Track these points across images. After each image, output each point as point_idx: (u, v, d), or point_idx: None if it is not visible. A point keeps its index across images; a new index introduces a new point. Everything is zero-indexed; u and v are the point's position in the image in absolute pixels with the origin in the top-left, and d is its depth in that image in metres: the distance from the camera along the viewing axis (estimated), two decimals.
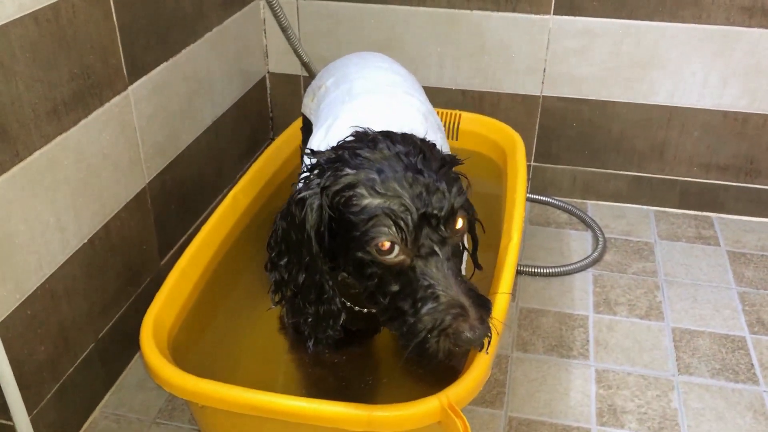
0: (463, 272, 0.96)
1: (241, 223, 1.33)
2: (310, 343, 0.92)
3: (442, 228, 0.82)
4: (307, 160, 0.94)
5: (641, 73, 1.69)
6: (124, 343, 1.37)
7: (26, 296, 1.08)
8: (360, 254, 0.84)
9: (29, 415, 1.12)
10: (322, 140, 1.04)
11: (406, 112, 1.08)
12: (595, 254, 1.67)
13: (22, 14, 1.00)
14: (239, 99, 1.75)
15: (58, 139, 1.11)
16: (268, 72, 1.89)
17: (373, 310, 0.96)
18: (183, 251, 1.19)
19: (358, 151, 0.87)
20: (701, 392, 1.34)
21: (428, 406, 0.89)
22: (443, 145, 1.11)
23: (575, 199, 1.89)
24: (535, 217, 1.83)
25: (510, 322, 1.49)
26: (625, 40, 1.65)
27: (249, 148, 1.85)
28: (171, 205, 1.47)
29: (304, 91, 1.87)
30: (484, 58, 1.74)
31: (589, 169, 1.84)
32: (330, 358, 1.08)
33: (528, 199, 1.88)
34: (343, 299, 0.95)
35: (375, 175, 0.83)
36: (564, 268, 1.63)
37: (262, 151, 1.52)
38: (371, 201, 0.82)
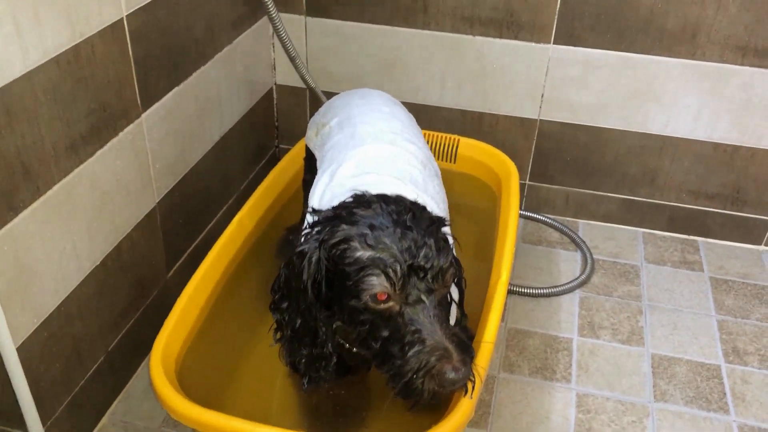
0: (452, 322, 1.03)
1: (246, 247, 1.40)
2: (305, 381, 1.00)
3: (429, 279, 0.90)
4: (309, 218, 1.01)
5: (637, 103, 1.74)
6: (132, 353, 1.44)
7: (43, 319, 1.16)
8: (353, 302, 0.92)
9: (44, 426, 1.21)
10: (327, 185, 1.12)
11: (407, 160, 1.15)
12: (583, 276, 1.74)
13: (46, 60, 1.06)
14: (247, 112, 1.80)
15: (75, 171, 1.17)
16: (275, 84, 1.94)
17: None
18: (189, 263, 1.26)
19: (353, 210, 0.95)
20: (674, 420, 1.42)
21: None
22: (439, 192, 1.18)
23: (567, 218, 1.96)
24: (528, 235, 1.90)
25: (498, 343, 1.57)
26: (622, 71, 1.71)
27: (254, 158, 1.91)
28: (179, 220, 1.54)
29: (309, 102, 1.93)
30: (484, 82, 1.79)
31: (582, 190, 1.90)
32: (326, 387, 1.16)
33: (522, 216, 1.95)
34: (341, 341, 1.03)
35: (367, 230, 0.92)
36: (553, 290, 1.70)
37: (267, 161, 1.57)
38: (363, 253, 0.90)
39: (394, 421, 1.13)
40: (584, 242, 1.86)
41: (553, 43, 1.71)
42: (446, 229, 1.00)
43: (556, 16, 1.67)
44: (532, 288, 1.70)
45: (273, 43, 1.88)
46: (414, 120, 1.37)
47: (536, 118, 1.82)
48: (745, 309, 1.68)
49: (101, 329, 1.33)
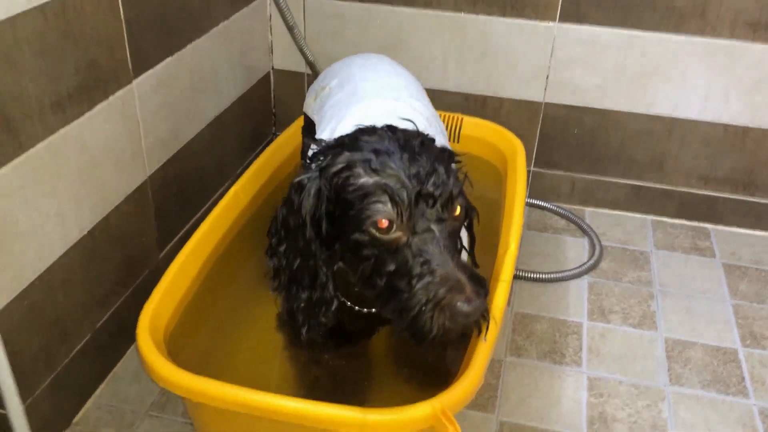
0: None
1: (241, 221, 1.34)
2: (303, 330, 0.93)
3: (439, 208, 0.83)
4: (310, 152, 0.95)
5: (644, 83, 1.69)
6: (120, 335, 1.37)
7: (24, 286, 1.09)
8: (357, 235, 0.85)
9: (23, 404, 1.13)
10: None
11: (410, 116, 1.09)
12: (591, 261, 1.68)
13: (30, 7, 1.01)
14: (243, 94, 1.75)
15: (62, 131, 1.11)
16: (273, 68, 1.89)
17: (373, 310, 0.97)
18: (182, 244, 1.20)
19: (357, 137, 0.90)
20: (691, 403, 1.35)
21: (421, 411, 0.90)
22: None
23: (574, 206, 1.90)
24: (533, 223, 1.84)
25: (504, 327, 1.50)
26: (629, 50, 1.66)
27: (251, 144, 1.85)
28: (171, 198, 1.48)
29: (308, 88, 1.88)
30: (487, 63, 1.75)
31: (589, 176, 1.85)
32: (326, 358, 1.09)
33: (527, 204, 1.89)
34: (342, 299, 0.96)
35: (372, 156, 0.86)
36: (560, 274, 1.64)
37: (264, 148, 1.52)
38: (367, 179, 0.84)
39: (396, 392, 1.06)
40: (591, 228, 1.80)
41: (558, 21, 1.66)
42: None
43: None
44: (539, 273, 1.63)
45: (270, 26, 1.83)
46: (418, 82, 1.31)
47: (541, 100, 1.77)
48: (760, 294, 1.62)
49: (87, 305, 1.26)
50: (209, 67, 1.56)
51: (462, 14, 1.70)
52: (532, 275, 1.63)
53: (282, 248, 0.91)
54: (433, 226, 0.83)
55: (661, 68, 1.67)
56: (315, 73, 1.81)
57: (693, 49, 1.63)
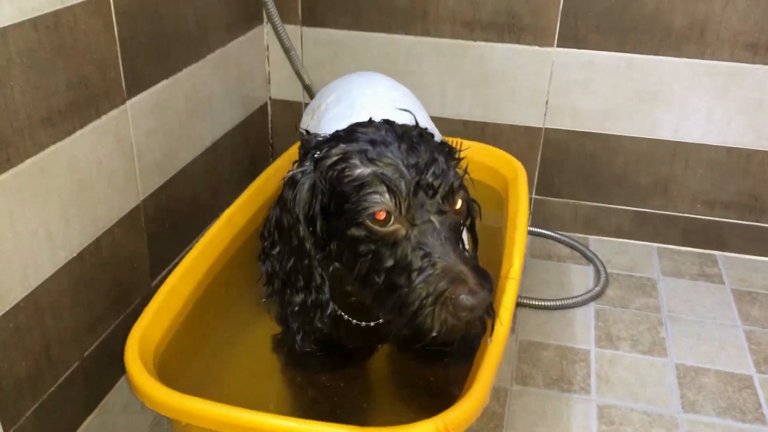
0: None
1: (236, 244, 1.30)
2: (298, 338, 0.89)
3: (440, 200, 0.80)
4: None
5: (645, 107, 1.68)
6: (110, 364, 1.32)
7: (9, 308, 1.04)
8: (353, 230, 0.81)
9: None
10: None
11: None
12: (598, 288, 1.63)
13: (22, 19, 0.99)
14: (239, 123, 1.73)
15: (52, 147, 1.08)
16: (270, 98, 1.88)
17: (371, 323, 0.93)
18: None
19: (353, 128, 0.87)
20: (707, 431, 1.29)
21: (423, 430, 0.85)
22: None
23: (577, 234, 1.86)
24: (536, 251, 1.80)
25: (509, 355, 1.45)
26: (629, 73, 1.65)
27: (247, 173, 1.83)
28: (165, 225, 1.44)
29: None
30: (486, 89, 1.73)
31: (592, 203, 1.82)
32: (324, 379, 1.04)
33: (529, 233, 1.85)
34: (340, 312, 0.91)
35: (368, 146, 0.82)
36: (565, 302, 1.59)
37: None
38: (363, 170, 0.80)
39: (397, 413, 1.00)
40: (596, 255, 1.76)
41: (557, 46, 1.66)
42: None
43: (559, 17, 1.63)
44: (544, 300, 1.59)
45: (267, 56, 1.83)
46: (416, 97, 1.29)
47: (541, 126, 1.75)
48: None
49: (76, 331, 1.21)
50: (205, 94, 1.55)
51: (460, 41, 1.70)
52: (536, 302, 1.58)
53: (275, 251, 0.87)
54: (434, 218, 0.79)
55: (662, 91, 1.65)
56: (312, 97, 1.79)
57: (693, 72, 1.62)
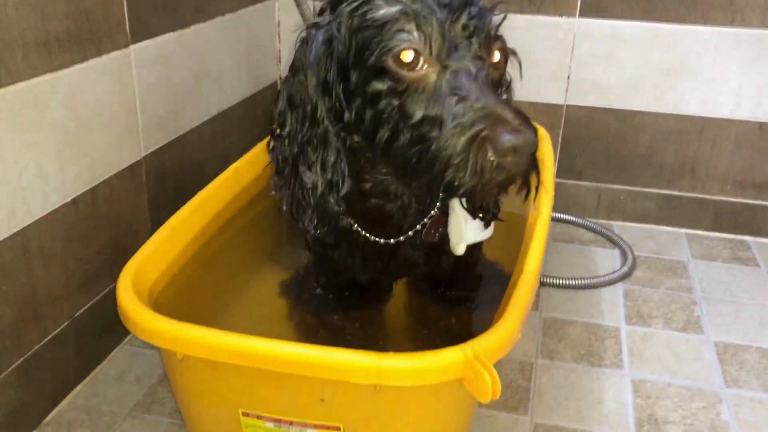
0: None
1: (242, 198, 1.22)
2: (311, 227, 0.78)
3: (477, 45, 0.70)
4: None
5: (671, 80, 1.60)
6: (104, 330, 1.22)
7: None
8: (375, 83, 0.71)
9: None
10: None
11: None
12: (625, 268, 1.53)
13: None
14: (248, 97, 1.67)
15: (47, 76, 1.01)
16: (280, 78, 1.82)
17: (391, 241, 0.83)
18: None
19: None
20: (754, 406, 1.17)
21: (449, 356, 0.75)
22: None
23: (600, 220, 1.77)
24: (558, 235, 1.71)
25: (533, 331, 1.34)
26: (654, 44, 1.58)
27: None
28: (168, 188, 1.36)
29: None
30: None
31: (615, 186, 1.73)
32: (337, 321, 0.94)
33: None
34: (356, 226, 0.82)
35: None
36: (592, 281, 1.49)
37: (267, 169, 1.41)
38: (388, 9, 0.71)
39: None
40: (622, 239, 1.66)
41: (579, 16, 1.59)
42: None
43: None
44: (569, 279, 1.49)
45: (279, 33, 1.77)
46: None
47: (563, 103, 1.67)
48: None
49: (67, 285, 1.12)
50: (213, 58, 1.48)
51: None
52: (561, 281, 1.48)
53: (286, 130, 0.78)
54: (470, 62, 0.70)
55: (689, 63, 1.58)
56: None
57: (722, 41, 1.55)
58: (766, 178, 1.64)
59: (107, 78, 1.14)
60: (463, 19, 0.71)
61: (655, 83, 1.61)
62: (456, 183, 0.66)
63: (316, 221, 0.78)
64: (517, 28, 1.63)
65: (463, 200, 0.87)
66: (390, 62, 0.70)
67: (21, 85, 0.97)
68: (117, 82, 1.17)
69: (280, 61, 1.80)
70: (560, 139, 1.71)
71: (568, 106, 1.67)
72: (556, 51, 1.63)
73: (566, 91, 1.66)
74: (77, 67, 1.07)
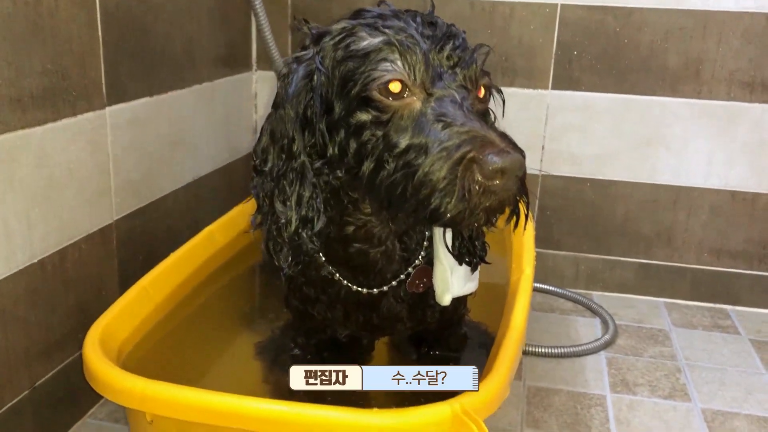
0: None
1: (215, 262, 1.18)
2: (285, 264, 0.75)
3: (461, 76, 0.69)
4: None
5: (644, 150, 1.63)
6: (67, 402, 1.15)
7: None
8: (359, 114, 0.70)
9: None
10: None
11: None
12: (607, 336, 1.51)
13: None
14: (223, 166, 1.65)
15: (20, 132, 0.99)
16: None
17: (374, 291, 0.80)
18: None
19: (359, 11, 0.78)
20: None
21: (437, 411, 0.71)
22: None
23: (579, 290, 1.75)
24: (538, 305, 1.68)
25: (518, 400, 1.30)
26: (626, 115, 1.62)
27: None
28: (138, 254, 1.32)
29: None
30: None
31: (593, 255, 1.72)
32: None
33: None
34: (338, 276, 0.79)
35: (377, 20, 0.73)
36: (575, 349, 1.46)
37: (241, 240, 1.38)
38: (372, 40, 0.70)
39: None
40: (602, 307, 1.64)
41: (552, 89, 1.63)
42: None
43: (553, 59, 1.61)
44: (552, 347, 1.45)
45: (255, 104, 1.78)
46: None
47: (538, 172, 1.69)
48: None
49: (28, 353, 1.06)
50: (189, 125, 1.47)
51: None
52: (544, 350, 1.45)
53: (268, 166, 0.76)
54: (455, 90, 0.69)
55: (660, 133, 1.61)
56: None
57: (691, 112, 1.59)
58: (740, 247, 1.65)
59: (81, 138, 1.12)
60: (447, 49, 0.71)
61: (629, 153, 1.64)
62: (442, 209, 0.64)
63: (290, 258, 0.75)
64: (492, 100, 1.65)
65: (449, 243, 0.85)
66: (374, 91, 0.69)
67: None
68: (91, 143, 1.15)
69: (256, 132, 1.80)
70: (537, 208, 1.71)
71: (543, 175, 1.69)
72: (531, 122, 1.66)
73: (541, 160, 1.68)
74: (50, 125, 1.05)
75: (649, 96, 1.60)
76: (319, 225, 0.75)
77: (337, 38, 0.74)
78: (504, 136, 0.67)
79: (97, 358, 0.79)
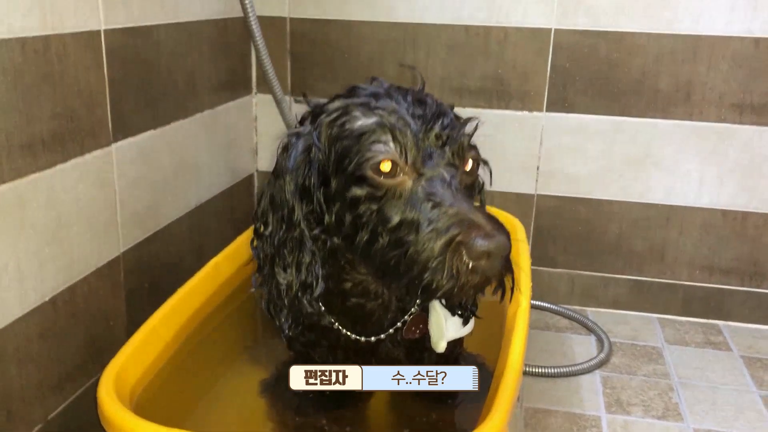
0: None
1: (222, 293, 1.21)
2: (285, 325, 0.79)
3: (450, 154, 0.73)
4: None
5: (637, 170, 1.67)
6: (79, 431, 1.19)
7: None
8: (355, 189, 0.74)
9: None
10: None
11: None
12: (602, 355, 1.55)
13: (10, 36, 0.96)
14: (225, 190, 1.69)
15: (31, 177, 1.02)
16: (257, 170, 1.84)
17: (372, 339, 0.84)
18: None
19: (353, 87, 0.83)
20: None
21: None
22: None
23: (574, 306, 1.79)
24: (534, 322, 1.72)
25: (515, 423, 1.34)
26: (618, 137, 1.65)
27: (231, 241, 1.76)
28: (145, 282, 1.35)
29: None
30: None
31: (588, 272, 1.76)
32: (317, 421, 0.93)
33: None
34: (337, 325, 0.83)
35: (371, 99, 0.78)
36: (570, 369, 1.50)
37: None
38: (365, 120, 0.75)
39: None
40: (597, 325, 1.68)
41: (546, 111, 1.66)
42: None
43: (547, 83, 1.64)
44: (548, 367, 1.49)
45: (256, 127, 1.81)
46: None
47: (533, 193, 1.72)
48: None
49: (41, 387, 1.09)
50: (192, 153, 1.50)
51: None
52: (540, 370, 1.49)
53: (268, 231, 0.80)
54: (443, 170, 0.73)
55: (652, 154, 1.65)
56: None
57: (682, 133, 1.63)
58: (731, 263, 1.69)
59: (89, 176, 1.16)
60: (436, 129, 0.75)
61: (622, 173, 1.68)
62: (434, 285, 0.69)
63: (290, 321, 0.80)
64: (488, 122, 1.69)
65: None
66: (369, 171, 0.73)
67: (4, 186, 0.97)
68: (98, 180, 1.18)
69: (256, 154, 1.84)
70: (532, 227, 1.75)
71: (538, 195, 1.72)
72: (525, 143, 1.69)
73: (536, 181, 1.72)
74: (60, 167, 1.08)
75: (641, 118, 1.63)
76: (318, 290, 0.79)
77: (333, 115, 0.78)
78: (489, 217, 0.71)
79: (113, 405, 0.82)
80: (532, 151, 1.69)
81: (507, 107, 1.68)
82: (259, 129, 1.81)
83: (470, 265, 0.67)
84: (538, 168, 1.71)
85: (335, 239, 0.80)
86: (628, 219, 1.71)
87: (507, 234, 0.70)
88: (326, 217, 0.79)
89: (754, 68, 1.56)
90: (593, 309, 1.79)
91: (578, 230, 1.73)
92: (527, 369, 1.49)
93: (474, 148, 0.80)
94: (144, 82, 1.30)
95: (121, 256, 1.27)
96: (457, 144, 0.76)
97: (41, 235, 1.05)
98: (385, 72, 1.70)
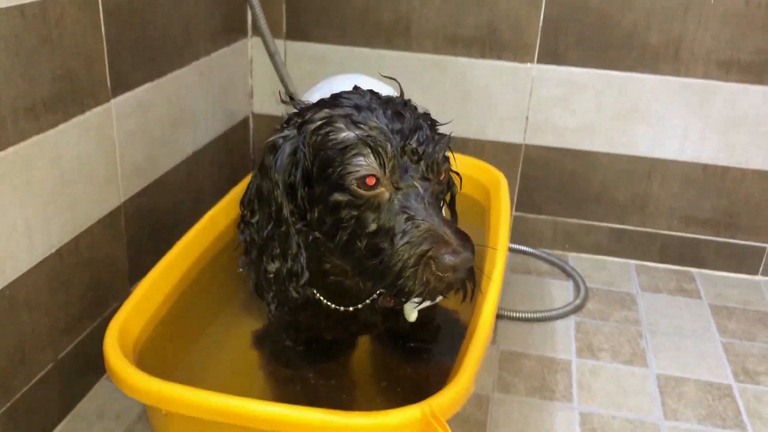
0: None
1: (217, 245, 1.29)
2: (272, 307, 0.88)
3: (424, 167, 0.81)
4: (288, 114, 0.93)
5: (623, 124, 1.71)
6: (85, 369, 1.29)
7: None
8: (336, 195, 0.82)
9: None
10: None
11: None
12: (578, 301, 1.64)
13: (8, 5, 0.99)
14: (221, 134, 1.73)
15: (35, 138, 1.08)
16: (252, 113, 1.89)
17: (350, 308, 0.92)
18: None
19: (337, 95, 0.89)
20: None
21: (409, 414, 0.84)
22: None
23: (556, 251, 1.87)
24: (516, 266, 1.81)
25: (491, 364, 1.44)
26: (607, 90, 1.69)
27: (228, 185, 1.80)
28: (145, 230, 1.43)
29: None
30: (467, 105, 1.76)
31: (571, 220, 1.83)
32: (304, 375, 1.03)
33: (509, 249, 1.86)
34: (318, 295, 0.91)
35: (353, 111, 0.84)
36: (546, 314, 1.59)
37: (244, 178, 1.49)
38: (348, 133, 0.82)
39: (379, 408, 0.99)
40: (576, 270, 1.77)
41: (537, 62, 1.69)
42: None
43: (539, 34, 1.66)
44: (524, 312, 1.59)
45: (251, 69, 1.84)
46: None
47: (521, 143, 1.77)
48: (750, 332, 1.59)
49: (52, 331, 1.18)
50: (189, 101, 1.55)
51: (442, 56, 1.72)
52: (517, 314, 1.58)
53: (254, 219, 0.87)
54: (418, 183, 0.80)
55: (639, 108, 1.69)
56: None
57: (669, 89, 1.66)
58: (708, 215, 1.76)
59: (90, 133, 1.21)
60: (413, 144, 0.81)
61: (608, 126, 1.72)
62: (407, 290, 0.77)
63: (276, 303, 0.88)
64: (479, 72, 1.72)
65: None
66: (350, 183, 0.80)
67: (10, 150, 1.03)
68: (98, 135, 1.23)
69: (252, 96, 1.87)
70: (519, 175, 1.81)
71: (526, 145, 1.77)
72: (516, 94, 1.73)
73: (525, 131, 1.76)
74: (62, 126, 1.13)
75: (629, 72, 1.66)
76: (303, 279, 0.87)
77: (318, 123, 0.84)
78: (457, 231, 0.78)
79: (117, 358, 0.91)
80: (522, 102, 1.73)
81: (499, 58, 1.70)
82: (254, 71, 1.84)
83: (438, 276, 0.76)
84: (527, 118, 1.75)
85: (317, 234, 0.87)
86: (613, 170, 1.76)
87: (472, 248, 0.78)
88: (309, 215, 0.86)
89: (744, 26, 1.58)
90: (574, 254, 1.87)
91: (564, 179, 1.79)
92: (505, 314, 1.58)
93: (447, 160, 0.86)
94: (141, 36, 1.33)
95: (122, 205, 1.34)
96: (432, 159, 0.82)
97: (47, 192, 1.12)
98: (380, 19, 1.71)
